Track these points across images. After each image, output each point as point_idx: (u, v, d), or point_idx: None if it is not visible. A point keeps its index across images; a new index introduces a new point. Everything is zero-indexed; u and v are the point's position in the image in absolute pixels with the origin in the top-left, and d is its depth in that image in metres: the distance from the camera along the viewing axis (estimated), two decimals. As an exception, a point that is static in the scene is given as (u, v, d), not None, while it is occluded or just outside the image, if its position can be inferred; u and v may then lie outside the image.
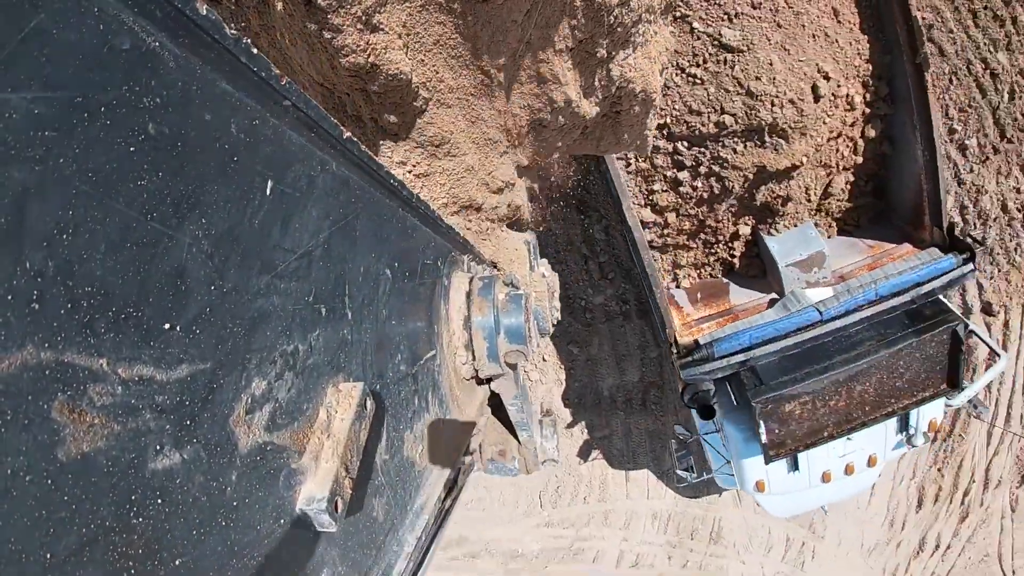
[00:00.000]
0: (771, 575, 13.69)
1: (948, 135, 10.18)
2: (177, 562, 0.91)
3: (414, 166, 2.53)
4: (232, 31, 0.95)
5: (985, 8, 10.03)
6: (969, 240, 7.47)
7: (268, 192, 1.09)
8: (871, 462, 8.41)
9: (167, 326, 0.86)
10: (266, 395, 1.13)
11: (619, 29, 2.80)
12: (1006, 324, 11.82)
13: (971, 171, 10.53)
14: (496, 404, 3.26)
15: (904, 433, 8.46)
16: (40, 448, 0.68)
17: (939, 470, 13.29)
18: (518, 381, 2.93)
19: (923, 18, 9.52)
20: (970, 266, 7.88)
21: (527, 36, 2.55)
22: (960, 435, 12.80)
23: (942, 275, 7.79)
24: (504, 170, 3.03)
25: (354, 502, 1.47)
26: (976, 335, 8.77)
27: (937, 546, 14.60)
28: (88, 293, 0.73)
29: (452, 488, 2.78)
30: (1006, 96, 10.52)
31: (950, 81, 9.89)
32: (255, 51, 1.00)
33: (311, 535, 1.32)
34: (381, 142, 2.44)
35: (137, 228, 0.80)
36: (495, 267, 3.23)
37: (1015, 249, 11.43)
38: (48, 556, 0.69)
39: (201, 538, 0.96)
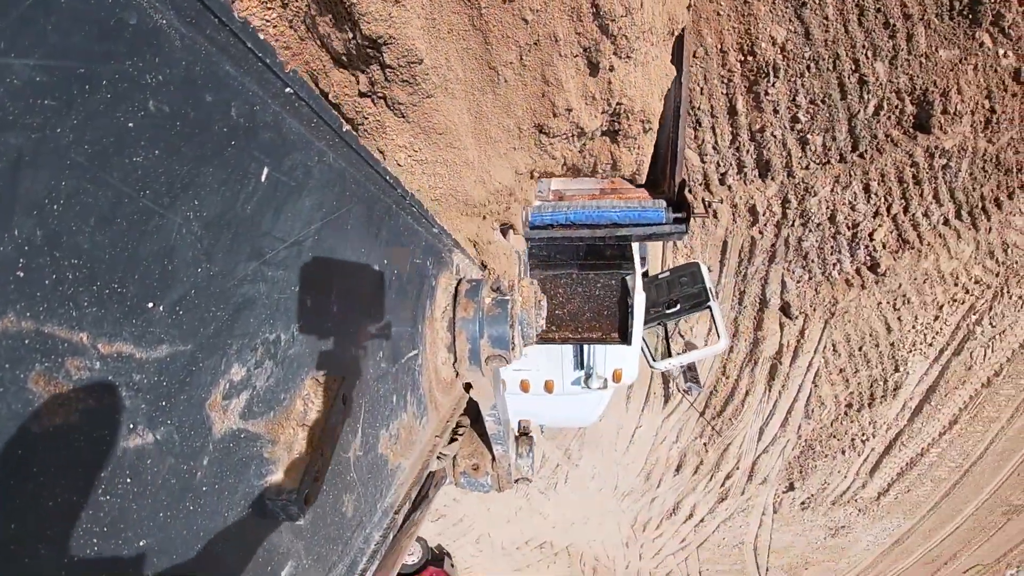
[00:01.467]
0: (522, 488, 14.61)
1: (790, 123, 10.12)
2: (141, 543, 0.91)
3: (416, 151, 2.60)
4: (239, 16, 0.96)
5: (877, 11, 9.75)
6: (698, 204, 7.62)
7: (263, 179, 1.10)
8: (547, 386, 8.79)
9: (151, 305, 0.87)
10: (244, 382, 1.13)
11: (622, 40, 2.89)
12: (802, 332, 12.10)
13: (806, 168, 10.52)
14: (473, 417, 3.21)
15: (582, 371, 8.78)
16: (13, 417, 0.68)
17: (704, 445, 13.93)
18: (497, 391, 2.91)
19: (800, -11, 9.28)
20: (682, 227, 8.07)
21: (536, 37, 2.64)
22: (731, 420, 13.36)
23: (648, 224, 7.99)
24: (502, 173, 3.11)
25: (324, 496, 1.48)
26: (711, 312, 9.06)
27: (691, 515, 15.51)
28: (74, 266, 0.73)
29: (423, 500, 2.85)
30: (870, 109, 10.38)
31: (807, 68, 9.73)
32: (261, 37, 1.01)
33: (278, 526, 1.32)
34: (388, 122, 2.50)
35: (129, 204, 0.80)
36: (484, 269, 3.25)
37: (833, 265, 11.56)
38: (12, 527, 0.69)
39: (167, 521, 0.96)
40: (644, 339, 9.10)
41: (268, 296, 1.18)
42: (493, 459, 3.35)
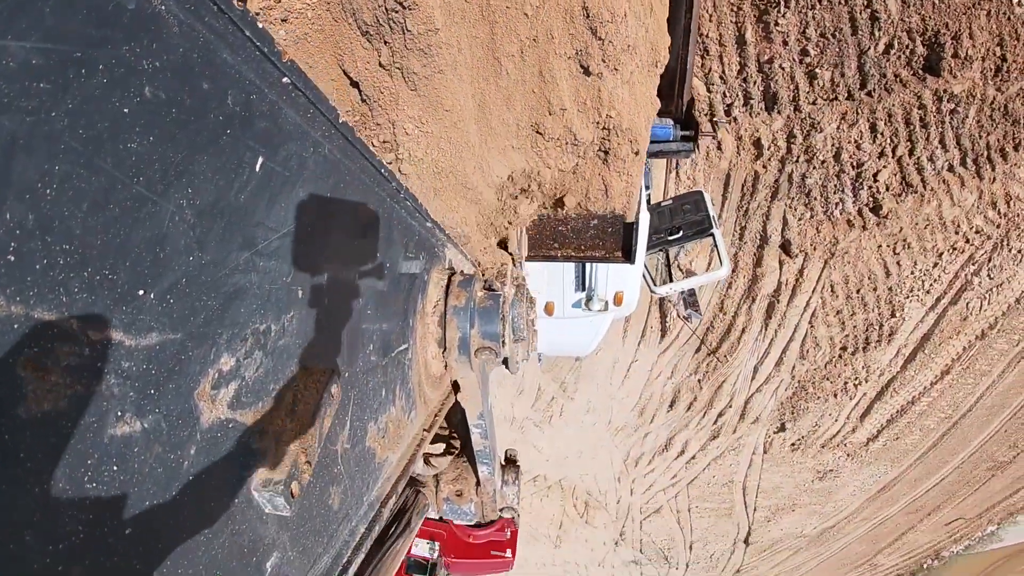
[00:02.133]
0: (519, 417, 14.91)
1: (799, 56, 10.17)
2: (127, 531, 0.91)
3: (423, 123, 2.68)
4: (239, 3, 0.96)
5: (893, -58, 9.70)
6: (705, 124, 7.75)
7: (258, 168, 1.10)
8: (547, 309, 8.72)
9: (141, 292, 0.87)
10: (233, 372, 1.14)
11: (609, 47, 2.98)
12: (801, 271, 12.33)
13: (813, 103, 10.61)
14: (462, 442, 3.17)
15: (583, 292, 8.96)
16: (1, 402, 0.68)
17: (699, 381, 14.28)
18: (486, 398, 2.87)
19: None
20: (689, 145, 8.11)
21: (535, 33, 2.72)
22: (726, 357, 13.69)
23: (655, 141, 8.06)
24: (499, 167, 3.16)
25: (311, 488, 1.48)
26: (714, 239, 9.21)
27: (683, 452, 16.00)
28: (65, 251, 0.73)
29: (405, 528, 2.89)
30: (880, 46, 10.38)
31: (819, 0, 9.76)
32: (260, 25, 1.02)
33: (264, 517, 1.32)
34: (402, 94, 2.57)
35: (122, 191, 0.80)
36: (477, 265, 3.25)
37: (836, 204, 11.71)
38: None
39: (153, 509, 0.97)
40: (645, 265, 9.28)
41: (259, 286, 1.17)
42: (478, 483, 3.27)
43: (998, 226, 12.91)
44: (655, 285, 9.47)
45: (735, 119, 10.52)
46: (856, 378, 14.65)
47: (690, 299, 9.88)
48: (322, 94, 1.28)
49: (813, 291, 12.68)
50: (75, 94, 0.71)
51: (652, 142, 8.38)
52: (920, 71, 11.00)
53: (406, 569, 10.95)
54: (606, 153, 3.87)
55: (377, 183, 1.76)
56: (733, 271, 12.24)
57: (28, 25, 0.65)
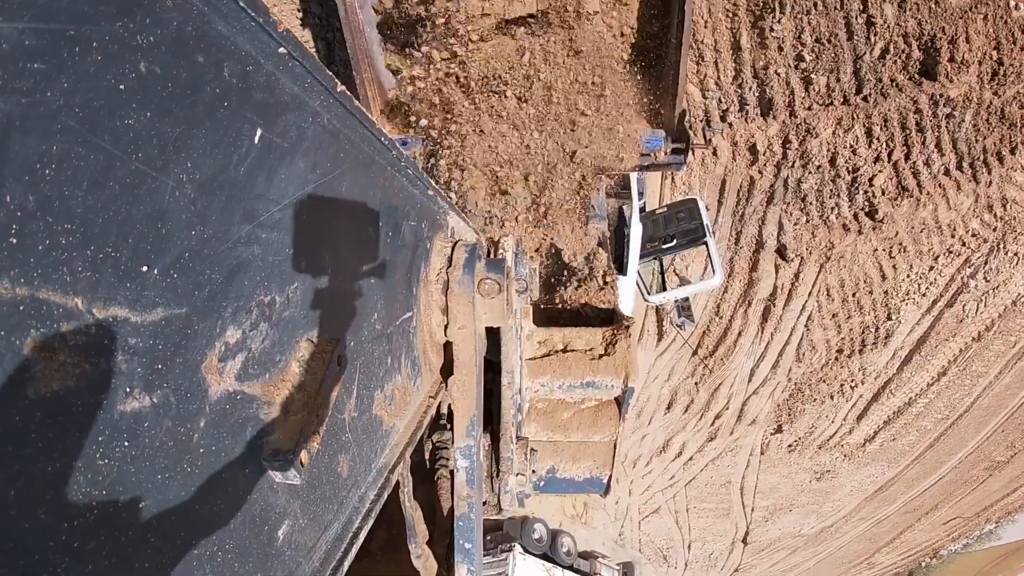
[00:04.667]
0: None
1: (794, 61, 10.18)
2: (140, 505, 0.92)
3: None
4: None
5: (889, -51, 9.70)
6: (698, 135, 7.79)
7: (256, 140, 1.10)
8: None
9: (144, 268, 0.87)
10: (240, 344, 1.14)
11: None
12: (797, 275, 12.36)
13: (808, 108, 10.61)
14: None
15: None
16: (10, 383, 0.68)
17: (696, 384, 14.34)
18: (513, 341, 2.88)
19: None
20: (680, 158, 8.17)
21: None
22: (723, 360, 13.74)
23: (647, 153, 8.11)
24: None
25: (319, 456, 1.49)
26: (707, 247, 9.24)
27: (680, 453, 16.06)
28: (67, 230, 0.73)
29: None
30: (876, 51, 10.38)
31: (815, 5, 9.74)
32: None
33: (275, 486, 1.32)
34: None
35: (121, 168, 0.80)
36: (482, 233, 3.25)
37: (831, 209, 11.73)
38: (12, 493, 0.70)
39: (165, 483, 0.97)
40: (639, 273, 9.32)
41: (262, 258, 1.17)
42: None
43: (994, 229, 12.92)
44: (649, 293, 9.50)
45: (730, 124, 10.54)
46: (852, 380, 14.69)
47: (684, 307, 9.92)
48: (319, 63, 1.26)
49: (809, 295, 12.70)
50: (70, 73, 0.71)
51: (643, 155, 8.41)
52: (916, 75, 10.99)
53: None
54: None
55: (378, 152, 1.75)
56: (728, 276, 12.28)
57: (20, 5, 0.64)
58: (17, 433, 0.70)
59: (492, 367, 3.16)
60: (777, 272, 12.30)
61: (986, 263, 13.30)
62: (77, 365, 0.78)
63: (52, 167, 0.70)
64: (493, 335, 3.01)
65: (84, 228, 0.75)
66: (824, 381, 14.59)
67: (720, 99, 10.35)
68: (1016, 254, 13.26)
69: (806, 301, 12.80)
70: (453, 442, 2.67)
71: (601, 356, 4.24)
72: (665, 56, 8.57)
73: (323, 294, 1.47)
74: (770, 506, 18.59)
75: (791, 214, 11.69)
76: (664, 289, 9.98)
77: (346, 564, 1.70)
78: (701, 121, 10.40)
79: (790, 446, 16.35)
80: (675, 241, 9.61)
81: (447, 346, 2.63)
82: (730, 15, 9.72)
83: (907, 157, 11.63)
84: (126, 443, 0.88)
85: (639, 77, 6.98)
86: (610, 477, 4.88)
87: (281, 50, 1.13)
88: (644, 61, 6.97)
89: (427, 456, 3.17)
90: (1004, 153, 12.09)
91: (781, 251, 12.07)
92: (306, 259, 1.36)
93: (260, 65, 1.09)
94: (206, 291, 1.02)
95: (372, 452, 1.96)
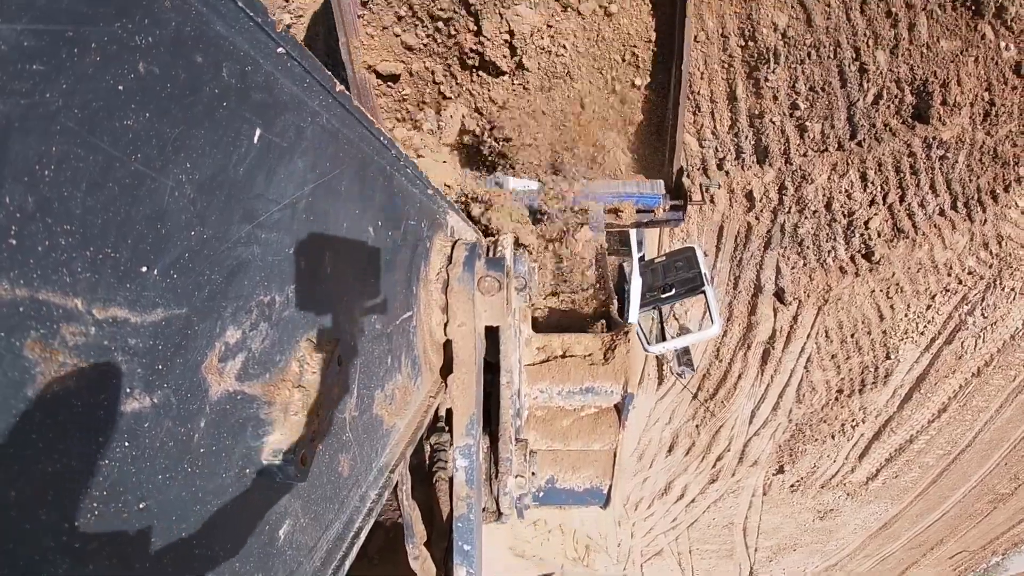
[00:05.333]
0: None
1: (789, 110, 10.21)
2: (140, 506, 0.91)
3: None
4: None
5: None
6: (695, 190, 7.82)
7: (255, 140, 1.10)
8: None
9: (144, 269, 0.87)
10: (240, 344, 1.14)
11: None
12: (795, 318, 12.29)
13: (804, 155, 10.63)
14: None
15: None
16: (10, 384, 0.68)
17: (697, 427, 14.18)
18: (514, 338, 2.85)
19: (803, -22, 9.32)
20: (678, 214, 8.24)
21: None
22: (723, 402, 13.59)
23: (645, 209, 8.17)
24: None
25: (320, 456, 1.49)
26: (706, 296, 9.22)
27: (682, 495, 15.81)
28: (67, 231, 0.73)
29: None
30: (869, 97, 10.44)
31: (808, 55, 9.80)
32: None
33: (275, 486, 1.33)
34: None
35: (120, 168, 0.80)
36: (485, 234, 3.27)
37: (828, 252, 11.71)
38: (12, 494, 0.70)
39: (165, 483, 0.97)
40: (639, 323, 9.29)
41: (262, 258, 1.17)
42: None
43: (990, 266, 12.92)
44: (649, 344, 9.42)
45: (727, 172, 10.53)
46: (853, 419, 14.55)
47: (684, 355, 9.82)
48: (318, 63, 1.26)
49: (808, 337, 12.63)
50: (68, 74, 0.70)
51: (641, 211, 8.42)
52: (909, 119, 11.06)
53: None
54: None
55: (377, 151, 1.74)
56: (727, 321, 12.21)
57: (18, 7, 0.64)
58: (17, 434, 0.70)
59: (490, 368, 3.12)
60: (775, 315, 12.23)
61: (983, 299, 13.27)
62: (77, 366, 0.78)
63: (51, 168, 0.70)
64: (492, 335, 2.98)
65: (83, 229, 0.75)
66: (825, 421, 14.45)
67: (717, 148, 10.37)
68: (1013, 289, 13.25)
69: (805, 343, 12.71)
70: (452, 443, 2.61)
71: (600, 362, 4.20)
72: (663, 115, 8.60)
73: (323, 294, 1.48)
74: (774, 546, 18.30)
75: (788, 258, 11.66)
76: (664, 339, 9.93)
77: (347, 564, 1.69)
78: (699, 169, 10.39)
79: (792, 486, 16.14)
80: (674, 290, 9.59)
81: (447, 345, 2.60)
82: (726, 66, 9.78)
83: (902, 199, 11.66)
84: (126, 443, 0.88)
85: (637, 135, 7.07)
86: (610, 487, 4.75)
87: (280, 50, 1.13)
88: (644, 119, 7.04)
89: (426, 458, 3.13)
90: (998, 191, 12.14)
91: (779, 295, 12.01)
92: (306, 259, 1.36)
93: (259, 65, 1.10)
94: (206, 291, 1.02)
95: (373, 451, 1.95)
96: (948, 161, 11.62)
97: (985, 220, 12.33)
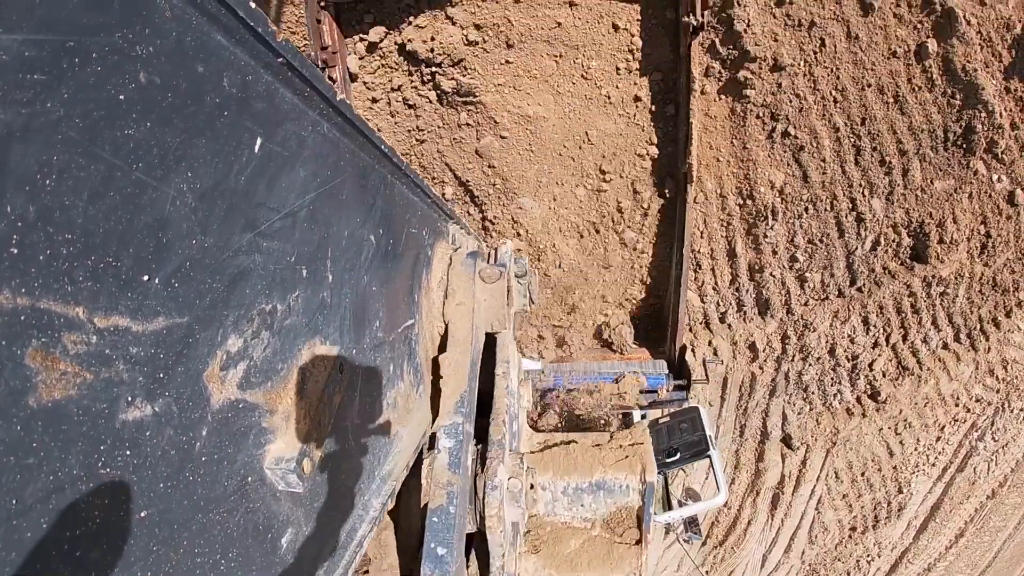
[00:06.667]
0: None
1: (788, 262, 9.95)
2: (143, 514, 0.90)
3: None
4: None
5: (874, 149, 9.69)
6: (698, 366, 7.53)
7: (257, 149, 1.09)
8: None
9: (146, 278, 0.86)
10: (241, 353, 1.13)
11: None
12: (804, 462, 11.75)
13: (805, 304, 10.32)
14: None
15: None
16: (11, 393, 0.67)
17: (707, 573, 13.39)
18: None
19: (797, 138, 9.20)
20: (681, 394, 8.09)
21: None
22: (733, 548, 12.85)
23: (649, 390, 8.07)
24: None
25: (323, 464, 1.47)
26: (711, 461, 8.82)
27: (695, 643, 14.81)
28: (68, 240, 0.72)
29: None
30: (867, 244, 10.26)
31: (805, 210, 9.61)
32: (253, 5, 1.01)
33: (278, 495, 1.30)
34: None
35: (121, 177, 0.79)
36: (481, 240, 3.25)
37: (834, 395, 11.29)
38: (14, 502, 0.68)
39: (167, 491, 0.96)
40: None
41: (263, 267, 1.16)
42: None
43: (997, 391, 12.63)
44: (655, 513, 8.89)
45: (729, 325, 10.17)
46: (868, 555, 13.87)
47: (691, 524, 9.21)
48: (318, 72, 1.23)
49: (817, 479, 12.10)
50: (70, 83, 0.70)
51: (644, 391, 8.24)
52: (908, 261, 10.90)
53: None
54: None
55: (377, 160, 1.73)
56: (735, 468, 11.64)
57: (19, 16, 0.62)
58: (19, 443, 0.68)
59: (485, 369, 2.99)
60: (784, 461, 11.72)
61: (992, 424, 12.95)
62: (79, 374, 0.76)
63: (53, 177, 0.69)
64: (490, 339, 2.91)
65: (85, 238, 0.75)
66: (839, 559, 13.74)
67: (718, 302, 10.09)
68: (1022, 410, 12.93)
69: (815, 486, 12.17)
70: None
71: (610, 446, 3.59)
72: (664, 293, 8.69)
73: (324, 302, 1.46)
74: None
75: (794, 404, 11.24)
76: (670, 507, 9.42)
77: (350, 572, 1.67)
78: (701, 323, 10.00)
79: (810, 626, 15.20)
80: (679, 455, 9.18)
81: None
82: (725, 225, 9.57)
83: (904, 338, 11.39)
84: (128, 452, 0.86)
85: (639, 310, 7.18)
86: None
87: (280, 60, 1.12)
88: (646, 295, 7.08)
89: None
90: (1000, 318, 11.99)
91: (786, 440, 11.53)
92: (307, 267, 1.35)
93: (260, 75, 1.08)
94: (207, 300, 1.01)
95: (375, 459, 1.91)
96: (948, 296, 11.44)
97: (989, 348, 12.12)
